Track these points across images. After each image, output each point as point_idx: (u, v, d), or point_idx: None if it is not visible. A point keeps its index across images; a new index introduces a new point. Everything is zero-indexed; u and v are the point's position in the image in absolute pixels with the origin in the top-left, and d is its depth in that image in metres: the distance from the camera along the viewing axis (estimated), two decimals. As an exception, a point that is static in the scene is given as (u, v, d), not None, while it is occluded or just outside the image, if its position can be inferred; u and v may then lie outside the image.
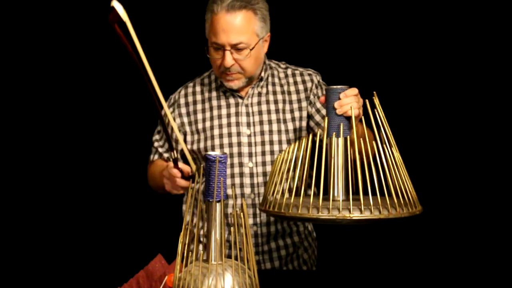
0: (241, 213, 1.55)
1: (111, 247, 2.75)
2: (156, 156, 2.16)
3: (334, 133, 1.66)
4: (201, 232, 1.98)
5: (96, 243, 2.78)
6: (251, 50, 1.92)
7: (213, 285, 1.48)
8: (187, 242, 1.53)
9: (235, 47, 1.91)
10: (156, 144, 2.16)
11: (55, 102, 2.85)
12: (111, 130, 2.86)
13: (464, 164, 2.82)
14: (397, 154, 1.66)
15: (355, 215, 1.54)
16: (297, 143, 1.70)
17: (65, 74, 2.86)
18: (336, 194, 1.65)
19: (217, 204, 1.53)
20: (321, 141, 1.63)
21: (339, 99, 1.66)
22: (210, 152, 1.58)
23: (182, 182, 1.78)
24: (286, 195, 1.61)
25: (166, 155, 2.14)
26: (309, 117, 2.05)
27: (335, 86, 1.69)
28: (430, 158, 2.83)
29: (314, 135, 1.67)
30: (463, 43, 2.80)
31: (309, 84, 2.07)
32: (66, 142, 2.85)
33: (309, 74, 2.09)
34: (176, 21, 2.82)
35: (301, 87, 2.07)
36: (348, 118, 1.66)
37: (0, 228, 2.78)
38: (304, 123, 2.05)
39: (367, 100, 1.65)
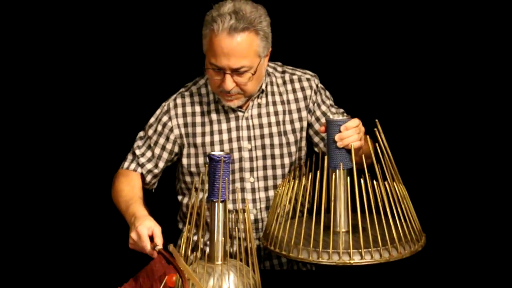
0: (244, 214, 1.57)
1: (111, 247, 2.76)
2: (133, 165, 2.00)
3: (335, 165, 1.64)
4: (201, 240, 1.96)
5: (96, 243, 2.78)
6: (253, 74, 1.84)
7: (217, 286, 1.50)
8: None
9: (236, 71, 1.82)
10: (138, 152, 2.00)
11: (55, 102, 2.80)
12: (111, 130, 2.81)
13: (473, 187, 2.72)
14: (400, 187, 1.64)
15: (356, 260, 1.54)
16: (297, 179, 1.69)
17: (63, 74, 2.80)
18: (337, 227, 1.65)
19: (221, 204, 1.54)
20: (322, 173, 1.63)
21: (340, 131, 1.63)
22: (214, 152, 1.57)
23: (147, 251, 1.69)
24: (287, 229, 1.62)
25: (149, 166, 1.99)
26: (309, 125, 2.01)
27: (335, 118, 1.66)
28: (435, 179, 2.73)
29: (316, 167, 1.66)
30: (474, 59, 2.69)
31: (308, 92, 2.01)
32: (66, 142, 2.81)
33: (308, 79, 2.02)
34: (172, 20, 2.72)
35: (300, 95, 2.01)
36: (349, 150, 1.63)
37: (1, 228, 2.79)
38: (304, 133, 2.02)
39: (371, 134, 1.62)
